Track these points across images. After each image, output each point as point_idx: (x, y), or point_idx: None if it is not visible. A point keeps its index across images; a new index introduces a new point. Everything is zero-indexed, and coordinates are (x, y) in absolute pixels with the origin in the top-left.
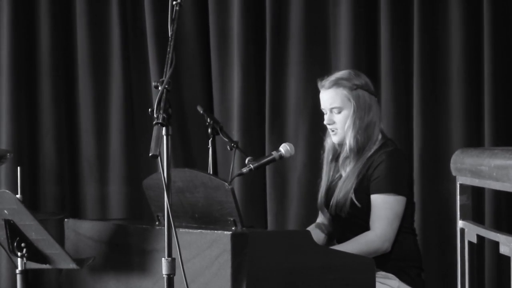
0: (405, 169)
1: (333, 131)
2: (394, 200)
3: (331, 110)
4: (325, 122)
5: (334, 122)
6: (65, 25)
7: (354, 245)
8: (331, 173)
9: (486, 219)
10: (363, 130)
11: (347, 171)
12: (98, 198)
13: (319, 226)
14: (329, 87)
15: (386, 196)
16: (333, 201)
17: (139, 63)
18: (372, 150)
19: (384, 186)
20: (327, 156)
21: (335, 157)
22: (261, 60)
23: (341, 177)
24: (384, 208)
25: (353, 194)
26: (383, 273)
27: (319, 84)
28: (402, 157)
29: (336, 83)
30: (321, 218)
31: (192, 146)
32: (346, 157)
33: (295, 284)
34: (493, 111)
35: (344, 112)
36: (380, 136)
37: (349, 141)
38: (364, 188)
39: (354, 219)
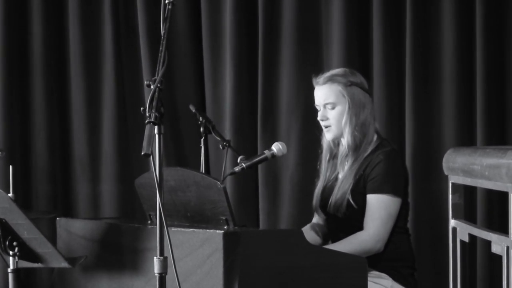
0: (402, 170)
1: (326, 127)
2: (390, 201)
3: (324, 106)
4: (318, 118)
5: (327, 118)
6: (57, 24)
7: (346, 245)
8: (328, 173)
9: (478, 218)
10: (359, 127)
11: (345, 171)
12: (90, 197)
13: (313, 228)
14: (324, 83)
15: (382, 196)
16: (331, 201)
17: (132, 62)
18: (369, 151)
19: (380, 186)
20: (325, 155)
21: (332, 156)
22: (253, 59)
23: (338, 177)
24: (379, 208)
25: (350, 195)
26: (377, 272)
27: (314, 81)
28: (399, 158)
29: (331, 79)
30: (316, 219)
31: (185, 145)
32: (345, 156)
33: (287, 283)
34: (485, 110)
35: (338, 108)
36: (375, 137)
37: (346, 138)
38: (360, 189)
39: (350, 220)
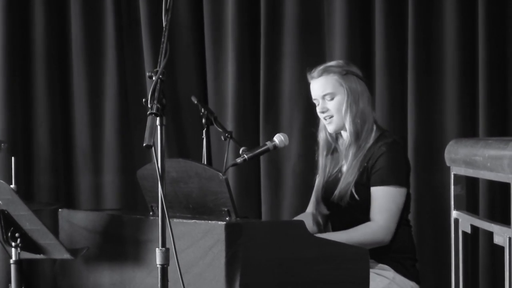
0: (404, 160)
1: (326, 119)
2: (397, 192)
3: (323, 97)
4: (318, 111)
5: (328, 110)
6: (59, 15)
7: (358, 234)
8: (329, 168)
9: (480, 209)
10: (360, 114)
11: (348, 162)
12: (92, 188)
13: (307, 217)
14: (319, 76)
15: (388, 188)
16: (336, 192)
17: (134, 53)
18: (371, 142)
19: (386, 178)
20: (322, 151)
21: (330, 151)
22: (255, 51)
23: (342, 169)
24: (387, 200)
25: (353, 187)
26: (379, 264)
27: (309, 76)
28: (401, 149)
29: (326, 70)
30: (311, 209)
31: (186, 136)
32: (348, 146)
33: (289, 274)
34: (487, 101)
35: (337, 98)
36: (375, 127)
37: (348, 126)
38: (363, 181)
39: (351, 211)
